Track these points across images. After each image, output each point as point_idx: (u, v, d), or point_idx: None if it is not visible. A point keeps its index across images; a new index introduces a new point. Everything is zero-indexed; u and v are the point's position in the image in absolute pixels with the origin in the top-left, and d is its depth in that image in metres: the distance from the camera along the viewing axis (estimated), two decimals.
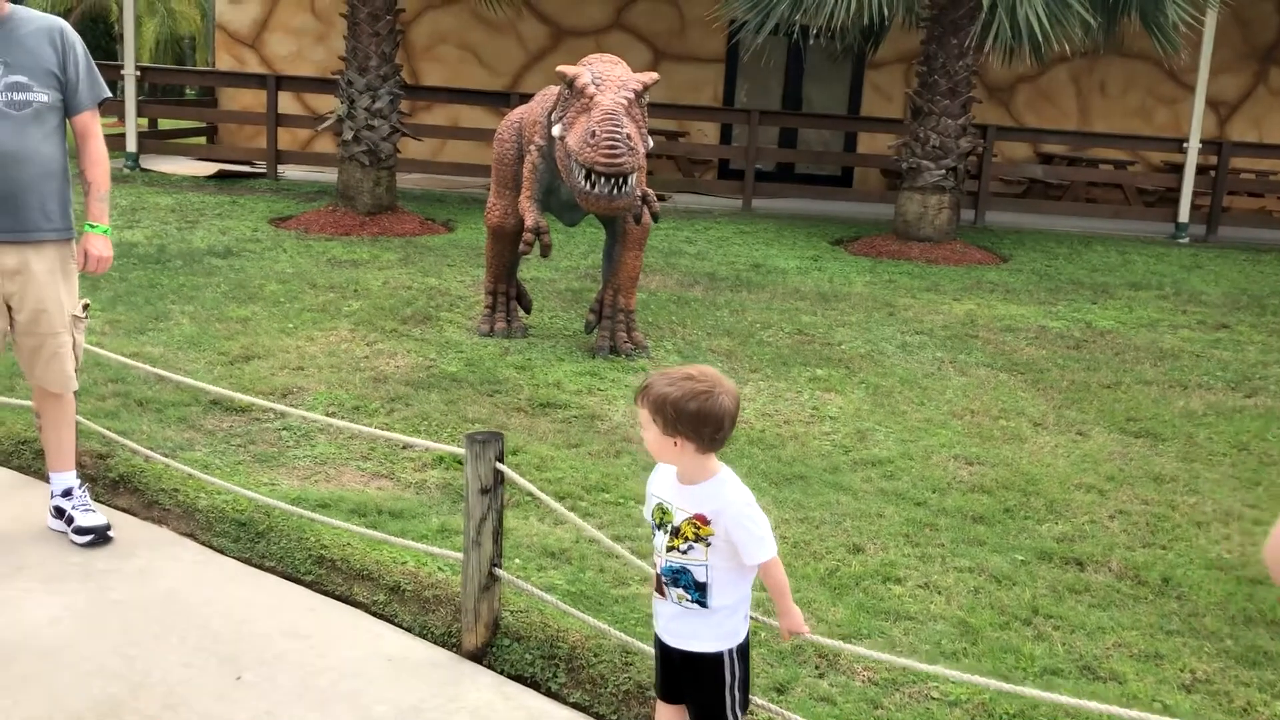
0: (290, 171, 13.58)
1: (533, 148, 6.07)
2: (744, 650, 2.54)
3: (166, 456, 4.49)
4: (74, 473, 4.01)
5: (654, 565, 2.58)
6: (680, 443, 2.44)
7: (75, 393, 4.02)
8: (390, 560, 3.73)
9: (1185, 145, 12.69)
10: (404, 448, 4.80)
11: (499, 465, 3.22)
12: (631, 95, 5.28)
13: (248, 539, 3.95)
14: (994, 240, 11.69)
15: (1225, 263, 11.10)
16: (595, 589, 3.60)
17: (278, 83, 13.10)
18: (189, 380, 4.75)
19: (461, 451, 3.27)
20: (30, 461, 4.56)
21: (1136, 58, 14.81)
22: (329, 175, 13.21)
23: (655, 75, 5.41)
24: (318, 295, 7.63)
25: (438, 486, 4.47)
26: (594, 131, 5.09)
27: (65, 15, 24.05)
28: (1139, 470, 5.00)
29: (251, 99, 14.96)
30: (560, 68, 5.44)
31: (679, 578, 2.50)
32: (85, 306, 3.97)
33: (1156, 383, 6.50)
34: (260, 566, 3.83)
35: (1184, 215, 12.75)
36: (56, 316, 3.79)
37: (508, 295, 6.99)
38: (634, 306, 6.63)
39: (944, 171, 10.83)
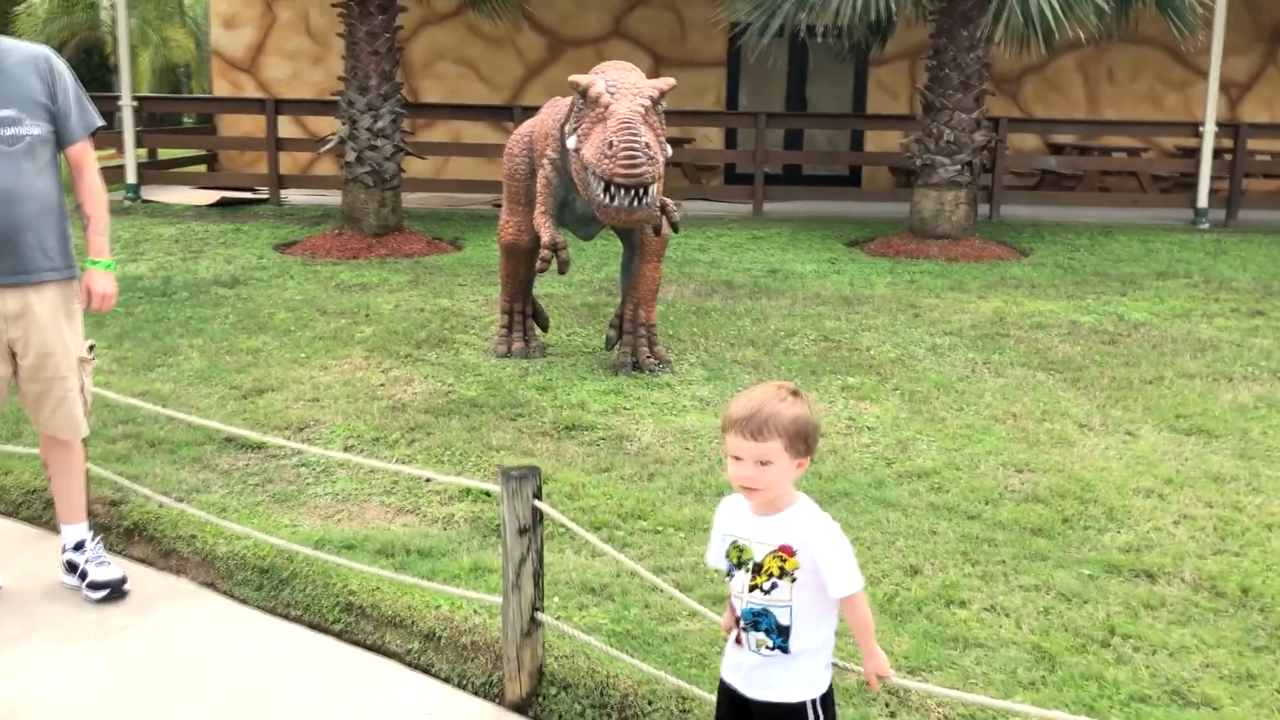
0: (293, 196, 13.40)
1: (546, 161, 5.87)
2: (828, 700, 2.33)
3: (181, 501, 4.29)
4: (86, 524, 3.81)
5: (730, 609, 2.38)
6: (803, 464, 2.29)
7: (85, 439, 3.82)
8: (423, 605, 3.52)
9: (1201, 129, 12.46)
10: (428, 480, 4.59)
11: (537, 503, 3.01)
12: (648, 102, 5.08)
13: (270, 587, 3.74)
14: (1012, 235, 11.47)
15: (1250, 247, 10.87)
16: (642, 628, 3.39)
17: (277, 106, 12.93)
18: (201, 420, 4.55)
19: (497, 488, 3.06)
20: (40, 512, 4.37)
21: (1144, 43, 14.60)
22: (332, 198, 13.04)
23: (671, 81, 5.21)
24: (328, 322, 7.44)
25: (466, 520, 4.26)
26: (611, 142, 4.89)
27: (60, 48, 23.96)
28: (1196, 470, 4.77)
29: (251, 124, 14.80)
30: (572, 77, 5.24)
31: (760, 621, 2.29)
32: (91, 348, 3.78)
33: (1200, 376, 6.27)
34: (285, 616, 3.62)
35: (1203, 200, 12.52)
36: (63, 360, 3.59)
37: (524, 314, 6.79)
38: (655, 320, 6.43)
39: (959, 167, 10.62)
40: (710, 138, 15.37)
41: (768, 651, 2.30)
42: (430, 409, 5.61)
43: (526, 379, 6.14)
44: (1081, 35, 9.54)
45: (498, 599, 3.26)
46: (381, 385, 6.01)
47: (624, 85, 5.13)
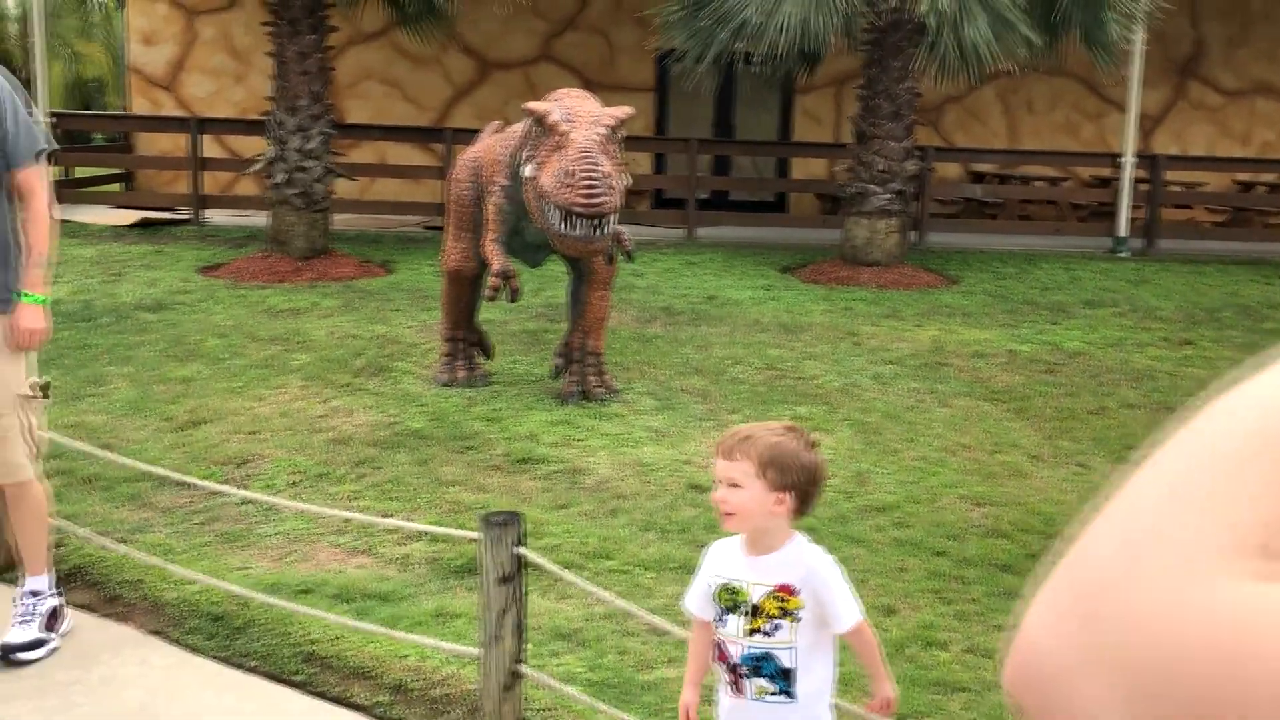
0: (215, 217, 13.05)
1: (496, 188, 5.76)
2: None
3: (122, 543, 4.08)
4: (41, 577, 3.54)
5: (721, 659, 2.29)
6: (783, 501, 2.19)
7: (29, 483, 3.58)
8: (389, 654, 3.38)
9: (1120, 160, 12.78)
10: (385, 517, 4.43)
11: (520, 550, 2.90)
12: (606, 131, 5.00)
13: (224, 635, 3.56)
14: (939, 262, 11.61)
15: (1170, 276, 11.15)
16: (620, 676, 3.29)
17: (200, 125, 12.59)
18: (145, 465, 4.35)
19: (475, 535, 2.94)
20: None
21: (1061, 74, 14.96)
22: (256, 219, 12.72)
23: (630, 109, 5.15)
24: (261, 349, 7.21)
25: (423, 562, 4.12)
26: (571, 171, 4.80)
27: None
28: None
29: (169, 143, 14.39)
30: (528, 105, 5.15)
31: (761, 665, 2.22)
32: (45, 387, 3.54)
33: (1141, 406, 6.38)
34: (241, 667, 3.44)
35: (1123, 229, 12.82)
36: (1, 395, 3.38)
37: (467, 341, 6.65)
38: (603, 348, 6.34)
39: (891, 195, 10.73)
40: (637, 162, 15.36)
41: (771, 698, 2.23)
42: (375, 442, 5.44)
43: (473, 409, 6.01)
44: (1014, 67, 9.70)
45: (471, 650, 3.14)
46: (322, 416, 5.83)
47: (581, 113, 5.05)
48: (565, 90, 5.34)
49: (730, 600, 2.26)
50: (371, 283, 9.73)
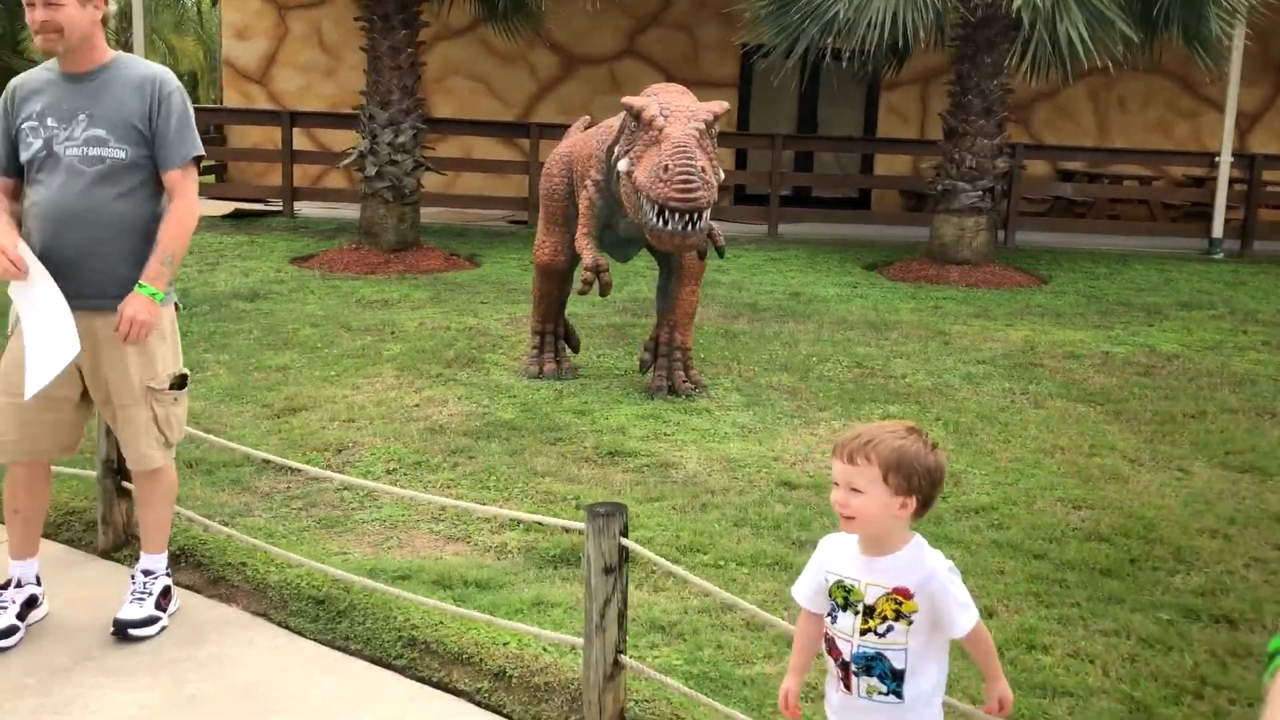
0: (305, 209, 13.30)
1: (589, 183, 5.78)
2: None
3: (225, 525, 4.17)
4: (158, 556, 3.63)
5: (831, 654, 2.28)
6: (906, 505, 2.19)
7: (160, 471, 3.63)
8: (489, 641, 3.41)
9: (1217, 159, 12.46)
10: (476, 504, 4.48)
11: (624, 540, 2.91)
12: (702, 126, 5.00)
13: (327, 619, 3.63)
14: (1029, 261, 11.42)
15: (1269, 279, 10.84)
16: (718, 669, 3.29)
17: (292, 119, 12.83)
18: (249, 450, 4.43)
19: (580, 525, 2.96)
20: (80, 534, 4.24)
21: (1155, 72, 14.61)
22: (343, 211, 12.95)
23: (725, 104, 5.14)
24: (354, 339, 7.33)
25: (519, 550, 4.16)
26: (666, 166, 4.80)
27: None
28: (1256, 510, 4.70)
29: (260, 135, 14.69)
30: (625, 99, 5.16)
31: (872, 665, 2.21)
32: (180, 381, 3.55)
33: (1243, 411, 6.21)
34: (345, 650, 3.50)
35: (1218, 230, 12.51)
36: (124, 388, 3.45)
37: (555, 335, 6.69)
38: (690, 344, 6.34)
39: (980, 193, 10.58)
40: (720, 158, 15.32)
41: (880, 698, 2.22)
42: (468, 431, 5.50)
43: (561, 401, 6.05)
44: (1109, 64, 9.50)
45: (572, 638, 3.16)
46: (416, 406, 5.91)
47: (677, 108, 5.05)
48: (661, 85, 5.34)
49: (843, 598, 2.25)
50: (459, 275, 9.84)
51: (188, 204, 3.43)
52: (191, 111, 3.49)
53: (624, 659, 2.98)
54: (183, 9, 22.51)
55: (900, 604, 2.19)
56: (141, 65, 3.46)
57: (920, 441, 2.21)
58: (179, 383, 3.56)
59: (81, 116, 3.36)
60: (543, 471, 4.97)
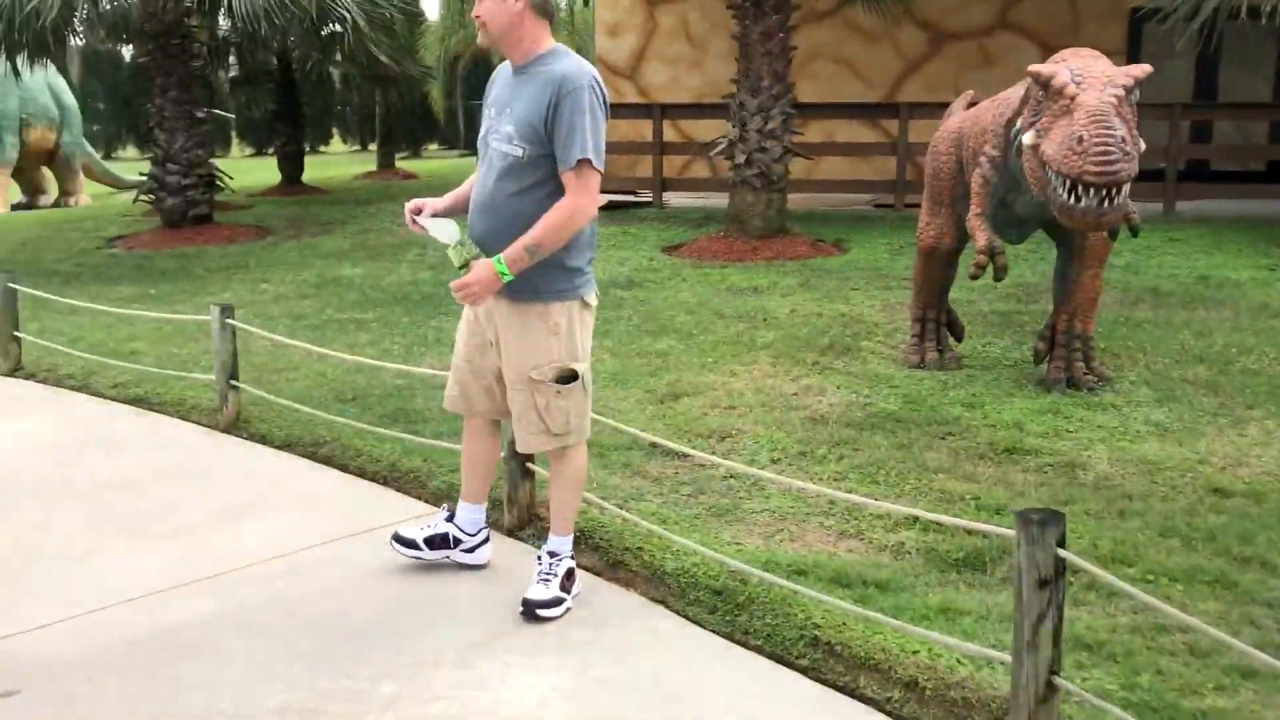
0: (673, 199, 13.58)
1: (984, 159, 5.42)
2: None
3: (620, 509, 4.21)
4: (563, 538, 3.70)
5: None
6: None
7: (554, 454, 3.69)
8: (896, 647, 3.21)
9: None
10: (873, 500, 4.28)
11: (1062, 552, 2.62)
12: (1121, 92, 4.53)
13: (726, 610, 3.56)
14: None
15: None
16: (1161, 699, 2.92)
17: (662, 111, 13.12)
18: (640, 433, 4.46)
19: (1011, 532, 2.70)
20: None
21: None
22: (708, 200, 13.10)
23: (1147, 67, 4.62)
24: (727, 326, 7.32)
25: (918, 551, 3.92)
26: (1081, 137, 4.38)
27: (455, 61, 25.67)
28: None
29: (626, 128, 15.14)
30: (1032, 67, 4.76)
31: None
32: (568, 376, 3.53)
33: None
34: (744, 645, 3.42)
35: None
36: (510, 371, 3.56)
37: (937, 322, 6.37)
38: (1092, 333, 5.83)
39: None
40: None
41: None
42: (851, 422, 5.31)
43: (948, 393, 5.73)
44: None
45: (993, 653, 2.90)
46: (794, 394, 5.79)
47: (1091, 74, 4.60)
48: (1072, 50, 4.89)
49: None
50: (828, 261, 9.66)
51: (573, 202, 3.38)
52: (592, 113, 3.36)
53: (1058, 680, 2.69)
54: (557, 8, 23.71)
55: None
56: (560, 63, 3.41)
57: None
58: (566, 377, 3.54)
59: (508, 111, 3.46)
60: (935, 468, 4.70)
